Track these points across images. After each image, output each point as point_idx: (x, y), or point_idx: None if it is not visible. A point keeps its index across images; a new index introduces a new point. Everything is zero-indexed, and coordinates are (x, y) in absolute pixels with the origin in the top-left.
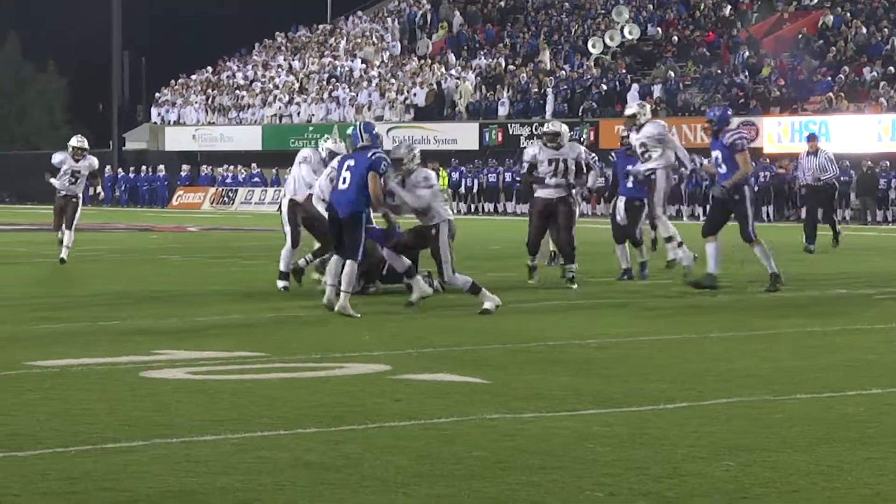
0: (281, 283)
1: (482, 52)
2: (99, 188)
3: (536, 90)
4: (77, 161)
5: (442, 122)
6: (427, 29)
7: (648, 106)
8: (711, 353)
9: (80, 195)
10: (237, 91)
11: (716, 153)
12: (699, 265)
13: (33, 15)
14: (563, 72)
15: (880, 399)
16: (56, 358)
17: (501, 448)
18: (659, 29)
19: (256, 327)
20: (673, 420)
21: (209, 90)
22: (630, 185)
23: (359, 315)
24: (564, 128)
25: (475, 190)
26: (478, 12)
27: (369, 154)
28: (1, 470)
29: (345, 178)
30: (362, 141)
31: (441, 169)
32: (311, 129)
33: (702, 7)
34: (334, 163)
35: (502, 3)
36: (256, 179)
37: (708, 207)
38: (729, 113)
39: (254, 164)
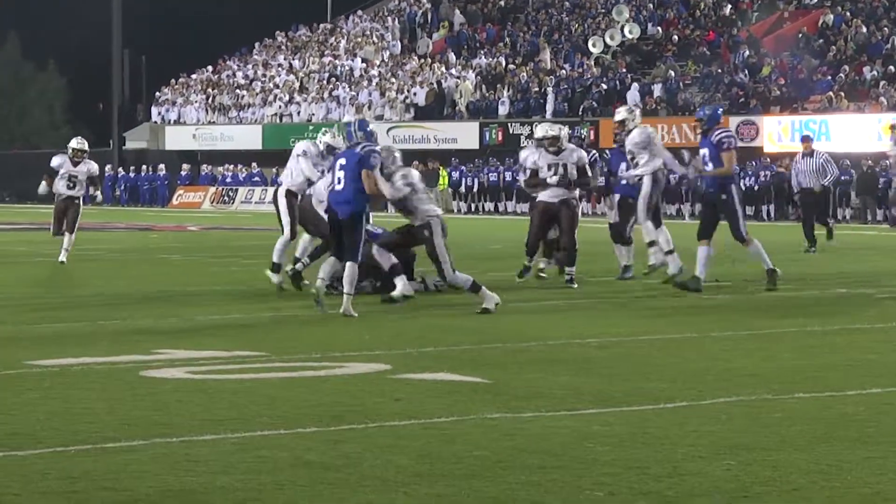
0: (275, 278)
1: (482, 52)
2: (98, 193)
3: (537, 89)
4: (76, 165)
5: (442, 121)
6: (427, 28)
7: (638, 111)
8: (711, 353)
9: (81, 198)
10: (237, 90)
11: (703, 151)
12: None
13: (33, 15)
14: (564, 71)
15: (880, 398)
16: (56, 357)
17: (501, 447)
18: (659, 28)
19: (256, 327)
20: (673, 419)
21: (209, 89)
22: (624, 182)
23: (356, 315)
24: (563, 131)
25: (475, 189)
26: (478, 11)
27: (358, 150)
28: (1, 469)
29: (339, 179)
30: (356, 138)
31: (441, 168)
32: (311, 128)
33: (702, 6)
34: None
35: (502, 3)
36: (257, 179)
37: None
38: (720, 112)
39: (254, 164)
